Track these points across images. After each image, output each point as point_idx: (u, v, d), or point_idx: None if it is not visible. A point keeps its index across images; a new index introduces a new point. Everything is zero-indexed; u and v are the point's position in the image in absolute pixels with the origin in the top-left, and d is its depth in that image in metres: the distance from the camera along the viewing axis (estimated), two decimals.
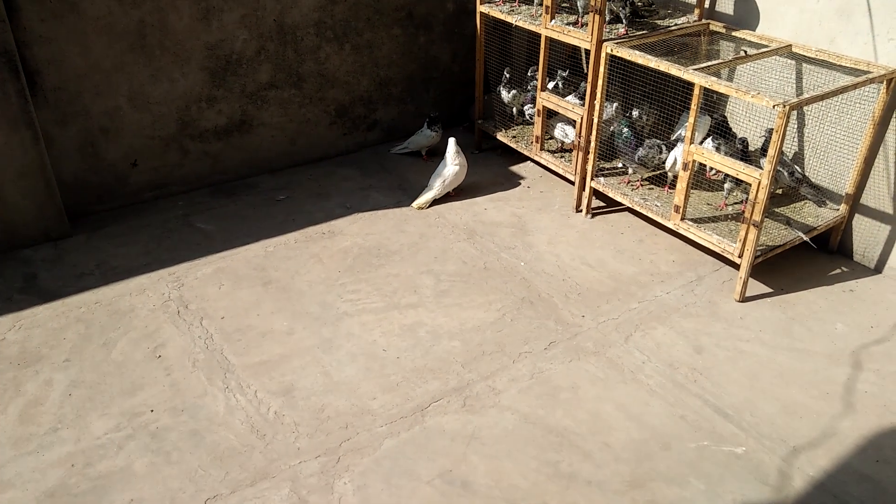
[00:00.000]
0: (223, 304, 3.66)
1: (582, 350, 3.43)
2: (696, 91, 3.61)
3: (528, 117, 5.02)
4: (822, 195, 4.06)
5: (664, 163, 4.20)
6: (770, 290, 3.84)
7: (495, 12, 4.75)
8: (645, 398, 3.16)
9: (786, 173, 3.97)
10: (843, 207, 3.99)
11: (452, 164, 4.62)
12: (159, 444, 2.86)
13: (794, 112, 3.88)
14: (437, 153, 5.26)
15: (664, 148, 4.18)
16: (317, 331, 3.50)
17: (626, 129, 4.23)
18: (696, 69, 3.65)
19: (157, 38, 4.24)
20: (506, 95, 5.05)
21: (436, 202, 4.65)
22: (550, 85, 4.84)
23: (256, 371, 3.24)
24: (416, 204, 4.62)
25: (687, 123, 3.72)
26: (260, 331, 3.49)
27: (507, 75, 4.97)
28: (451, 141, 4.63)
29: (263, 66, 4.68)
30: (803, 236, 3.82)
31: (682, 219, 3.94)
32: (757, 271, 3.87)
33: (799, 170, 4.05)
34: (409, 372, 3.26)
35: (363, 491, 2.70)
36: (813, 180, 4.12)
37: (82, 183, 4.32)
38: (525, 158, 5.16)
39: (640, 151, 4.15)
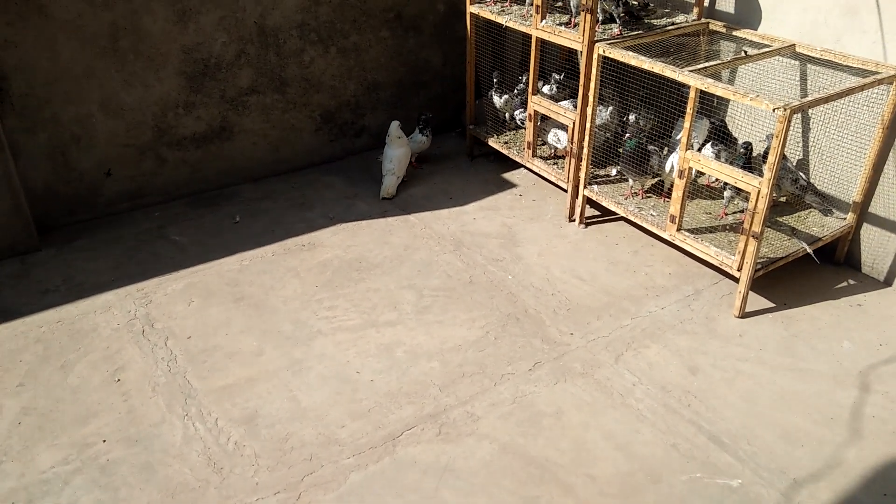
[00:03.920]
0: (191, 322, 3.48)
1: (569, 371, 3.22)
2: (692, 94, 3.38)
3: (519, 122, 4.81)
4: (828, 203, 3.82)
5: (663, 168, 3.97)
6: (772, 305, 3.61)
7: (485, 13, 4.55)
8: (634, 424, 2.94)
9: (789, 180, 3.74)
10: (850, 216, 3.75)
11: (400, 146, 4.65)
12: (108, 478, 2.67)
13: (797, 116, 3.66)
14: (427, 159, 5.08)
15: (665, 150, 3.96)
16: (287, 351, 3.31)
17: (636, 140, 3.97)
18: (692, 71, 3.43)
19: (131, 42, 4.07)
20: (497, 100, 4.85)
21: (418, 209, 4.46)
22: (545, 88, 4.63)
23: (219, 396, 3.05)
24: (385, 192, 4.60)
25: (684, 127, 3.50)
26: (227, 351, 3.30)
27: (495, 80, 4.77)
28: (394, 124, 4.64)
29: (244, 70, 4.50)
30: (807, 248, 3.59)
31: (679, 229, 3.72)
32: (758, 284, 3.64)
33: (803, 176, 3.82)
34: (382, 396, 3.06)
35: None
36: (818, 187, 3.88)
37: (53, 194, 4.16)
38: (518, 165, 4.94)
39: (653, 160, 3.92)
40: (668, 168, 3.92)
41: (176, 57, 4.24)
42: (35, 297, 3.65)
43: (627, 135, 3.97)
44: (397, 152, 4.63)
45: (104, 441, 2.83)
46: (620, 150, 4.01)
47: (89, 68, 4.01)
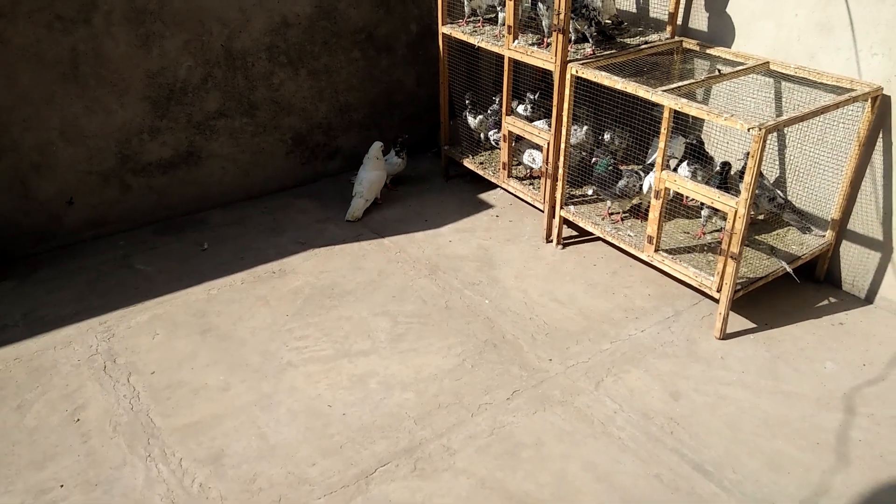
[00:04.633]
0: (155, 356, 3.34)
1: (548, 399, 3.12)
2: (666, 114, 3.34)
3: (493, 143, 4.75)
4: (806, 221, 3.78)
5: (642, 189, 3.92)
6: (753, 326, 3.55)
7: (457, 33, 4.49)
8: (616, 454, 2.84)
9: (766, 198, 3.70)
10: (829, 234, 3.72)
11: (374, 168, 4.56)
12: None
13: (773, 134, 3.62)
14: (402, 181, 4.99)
15: (642, 174, 3.90)
16: (255, 385, 3.18)
17: (607, 159, 3.92)
18: (665, 90, 3.38)
19: (92, 67, 3.95)
20: (472, 120, 4.78)
21: (392, 231, 4.36)
22: (520, 108, 4.57)
23: (184, 435, 2.91)
24: (350, 216, 4.51)
25: (659, 147, 3.45)
26: (192, 387, 3.16)
27: (468, 101, 4.73)
28: (376, 145, 4.55)
29: (211, 93, 4.40)
30: (787, 267, 3.54)
31: (657, 250, 3.65)
32: (739, 304, 3.58)
33: (781, 194, 3.78)
34: (354, 431, 2.94)
35: None
36: (796, 205, 3.85)
37: (12, 224, 4.01)
38: (495, 185, 4.87)
39: (621, 183, 3.86)
40: (644, 188, 3.87)
41: (140, 82, 4.13)
42: None
43: (594, 158, 3.93)
44: (370, 175, 4.54)
45: (62, 486, 2.68)
46: (593, 172, 3.95)
47: (49, 94, 3.88)
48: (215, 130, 4.50)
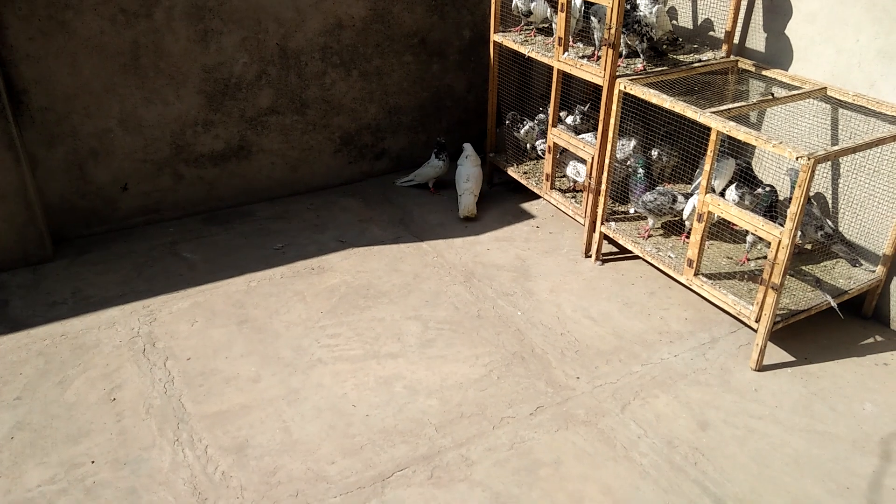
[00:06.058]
0: (192, 343, 3.45)
1: (571, 418, 3.10)
2: (713, 136, 3.27)
3: (539, 153, 4.73)
4: (856, 254, 3.65)
5: (681, 212, 3.85)
6: (792, 359, 3.45)
7: (508, 42, 4.49)
8: (636, 481, 2.80)
9: (813, 227, 3.58)
10: (879, 269, 3.58)
11: (473, 164, 4.71)
12: (92, 502, 2.63)
13: (823, 164, 3.51)
14: (445, 185, 5.01)
15: (679, 198, 3.83)
16: (285, 379, 3.25)
17: (640, 170, 3.90)
18: (713, 112, 3.31)
19: (152, 60, 4.10)
20: (517, 133, 4.77)
21: (432, 236, 4.38)
22: (568, 119, 4.54)
23: (212, 422, 3.00)
24: (466, 212, 4.59)
25: (704, 170, 3.38)
26: (225, 376, 3.25)
27: (508, 122, 4.77)
28: (468, 145, 4.77)
29: (264, 90, 4.51)
30: (832, 302, 3.42)
31: (696, 274, 3.58)
32: (778, 336, 3.48)
33: (830, 224, 3.66)
34: (376, 433, 2.98)
35: None
36: (847, 237, 3.72)
37: (69, 206, 4.19)
38: (538, 196, 4.85)
39: (647, 196, 3.82)
40: (688, 211, 3.80)
41: (196, 76, 4.26)
42: (43, 308, 3.66)
43: (630, 161, 3.92)
44: (474, 170, 4.68)
45: (93, 462, 2.80)
46: (630, 180, 3.93)
47: (110, 84, 4.04)
48: (266, 126, 4.61)
